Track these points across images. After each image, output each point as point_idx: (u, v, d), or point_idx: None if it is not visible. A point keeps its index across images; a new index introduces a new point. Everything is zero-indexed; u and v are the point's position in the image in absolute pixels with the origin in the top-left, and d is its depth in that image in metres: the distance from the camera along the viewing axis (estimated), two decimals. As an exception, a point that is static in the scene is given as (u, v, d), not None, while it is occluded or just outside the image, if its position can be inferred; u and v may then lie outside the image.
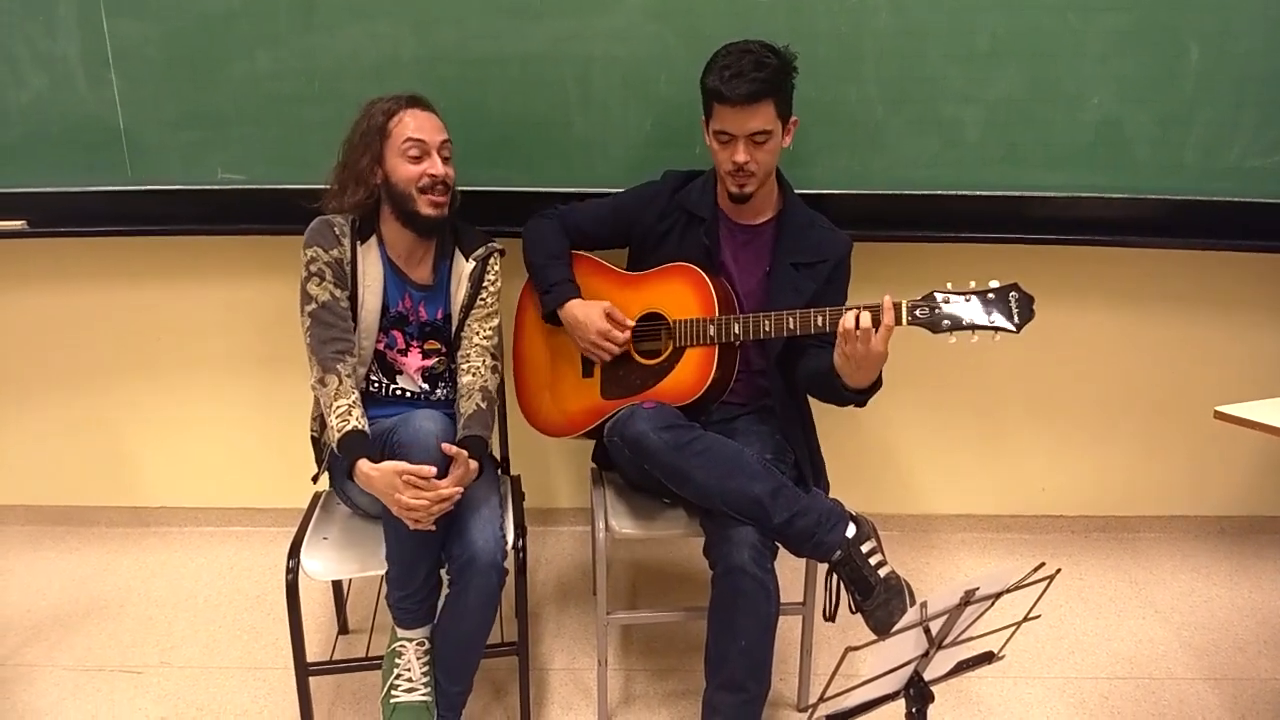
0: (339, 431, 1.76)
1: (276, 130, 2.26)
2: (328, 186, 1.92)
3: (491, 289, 1.97)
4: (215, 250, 2.50)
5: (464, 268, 1.95)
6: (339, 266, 1.86)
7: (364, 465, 1.72)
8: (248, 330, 2.58)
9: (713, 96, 1.85)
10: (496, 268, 1.98)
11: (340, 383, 1.80)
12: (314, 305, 1.84)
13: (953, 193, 2.26)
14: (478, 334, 1.96)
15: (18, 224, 2.34)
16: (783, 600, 1.80)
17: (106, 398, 2.67)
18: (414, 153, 1.84)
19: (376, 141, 1.85)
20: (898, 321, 1.70)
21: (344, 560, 1.88)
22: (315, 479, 2.05)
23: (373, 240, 1.91)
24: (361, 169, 1.86)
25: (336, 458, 1.82)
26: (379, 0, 2.15)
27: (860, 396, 1.84)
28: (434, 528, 1.72)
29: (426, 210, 1.85)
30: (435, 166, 1.84)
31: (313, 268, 1.85)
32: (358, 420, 1.77)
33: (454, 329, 1.98)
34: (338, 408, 1.78)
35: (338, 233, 1.87)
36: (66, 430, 2.70)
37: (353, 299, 1.89)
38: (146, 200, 2.32)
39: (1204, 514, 2.77)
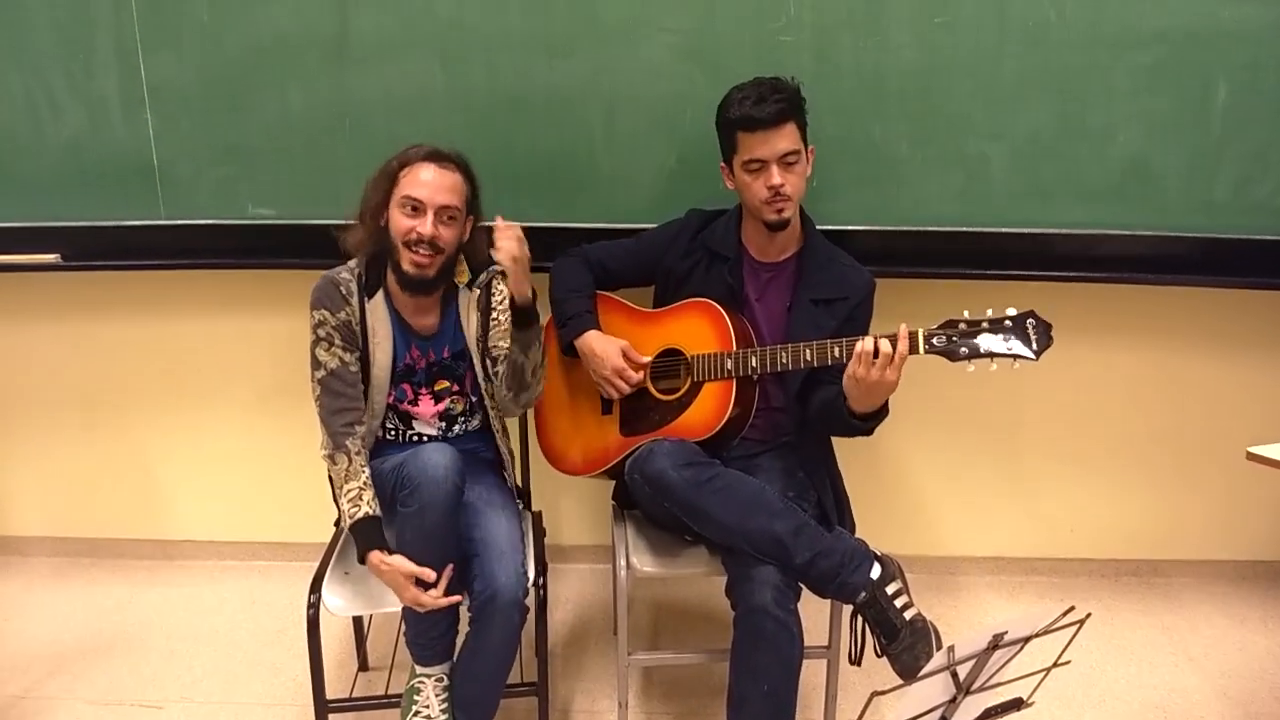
0: (350, 517, 1.77)
1: (307, 166, 2.29)
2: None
3: (501, 305, 1.96)
4: (245, 284, 2.52)
5: (469, 300, 1.95)
6: (348, 329, 1.86)
7: (375, 557, 1.74)
8: (276, 364, 2.60)
9: (739, 126, 1.87)
10: (500, 286, 1.96)
11: (350, 462, 1.80)
12: (323, 373, 1.85)
13: (978, 229, 2.24)
14: (502, 347, 1.97)
15: (51, 257, 2.38)
16: (806, 643, 1.77)
17: (135, 430, 2.69)
18: (409, 208, 1.82)
19: (384, 186, 1.85)
20: (914, 349, 1.69)
21: (364, 596, 1.87)
22: (338, 523, 2.05)
23: (379, 295, 1.90)
24: (369, 209, 1.87)
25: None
26: (410, 38, 2.19)
27: (865, 424, 1.83)
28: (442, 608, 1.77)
29: (406, 265, 1.83)
30: (424, 226, 1.80)
31: (320, 332, 1.85)
32: (369, 505, 1.77)
33: (473, 361, 1.97)
34: (349, 491, 1.79)
35: (344, 292, 1.87)
36: (94, 462, 2.73)
37: (364, 358, 1.89)
38: (178, 234, 2.35)
39: (1237, 558, 2.71)
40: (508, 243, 1.79)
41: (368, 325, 1.88)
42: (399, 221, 1.83)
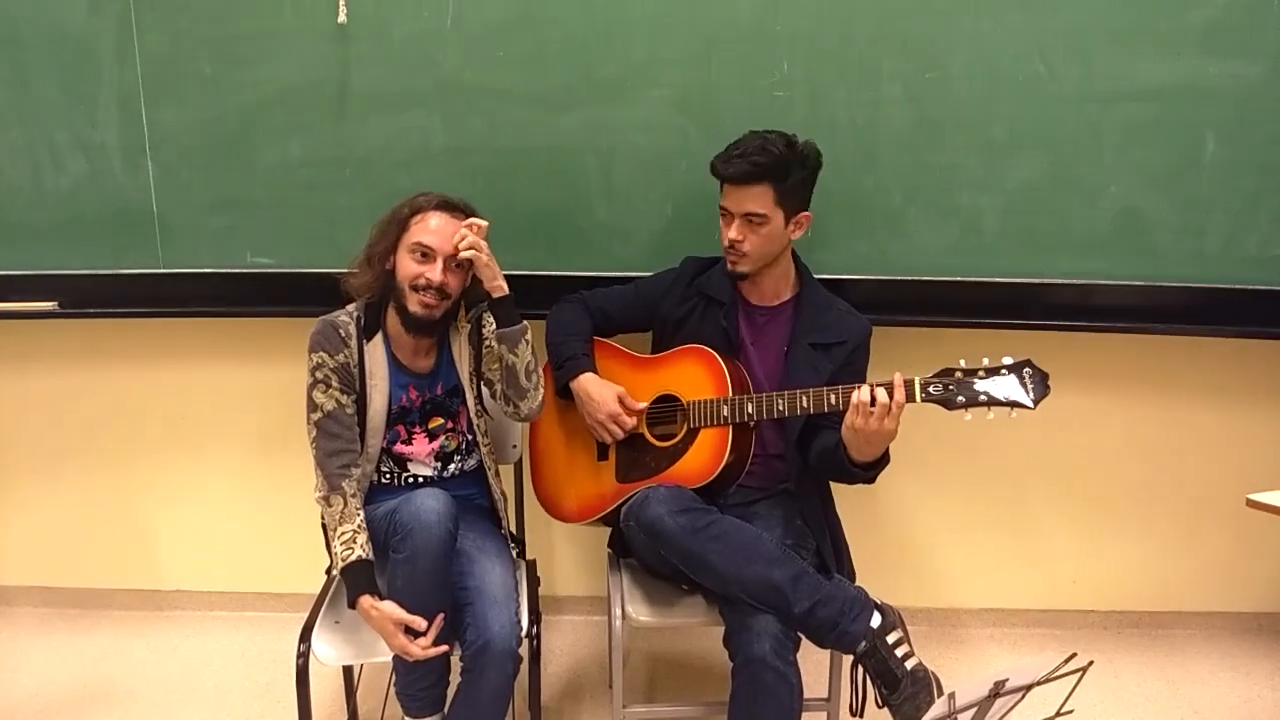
0: (343, 560, 1.76)
1: (306, 216, 2.31)
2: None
3: (491, 332, 1.96)
4: (242, 332, 2.53)
5: (461, 336, 1.98)
6: (345, 371, 1.88)
7: (365, 602, 1.72)
8: (271, 412, 2.60)
9: (714, 173, 1.92)
10: (490, 317, 1.95)
11: (345, 504, 1.80)
12: (319, 414, 1.85)
13: (972, 279, 2.26)
14: (496, 369, 1.99)
15: (48, 305, 2.39)
16: (806, 695, 1.74)
17: (128, 478, 2.67)
18: (419, 254, 1.85)
19: (394, 232, 1.88)
20: (911, 398, 1.70)
21: (355, 645, 1.84)
22: (329, 571, 2.03)
23: (378, 338, 1.92)
24: (376, 253, 1.89)
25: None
26: (411, 93, 2.23)
27: (867, 473, 1.83)
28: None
29: (414, 308, 1.86)
30: (433, 273, 1.84)
31: (318, 374, 1.86)
32: (362, 548, 1.77)
33: (466, 396, 1.98)
34: (342, 533, 1.78)
35: (343, 335, 1.89)
36: (84, 510, 2.70)
37: (360, 400, 1.89)
38: (176, 283, 2.36)
39: (1241, 610, 2.68)
40: (468, 238, 1.82)
41: (365, 368, 1.89)
42: (408, 266, 1.85)
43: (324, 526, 1.95)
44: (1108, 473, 2.58)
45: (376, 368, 1.90)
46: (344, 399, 1.86)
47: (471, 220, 1.85)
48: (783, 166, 1.87)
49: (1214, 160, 2.17)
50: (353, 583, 1.73)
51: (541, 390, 1.99)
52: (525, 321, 1.92)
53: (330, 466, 1.82)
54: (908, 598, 2.63)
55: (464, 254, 1.82)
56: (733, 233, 1.90)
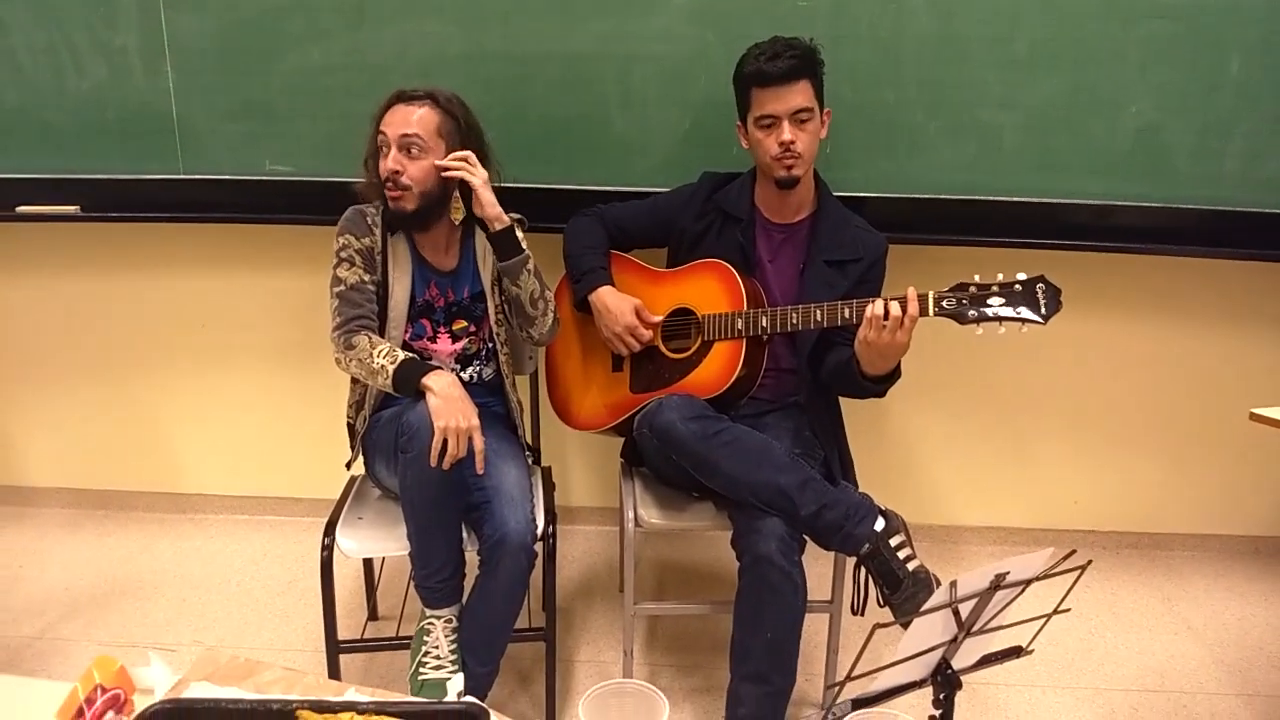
0: (393, 363, 1.76)
1: (325, 123, 2.31)
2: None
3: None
4: (261, 239, 2.55)
5: (487, 243, 1.97)
6: (369, 254, 1.90)
7: (429, 378, 1.73)
8: (290, 320, 2.63)
9: (752, 81, 1.90)
10: (519, 234, 1.96)
11: (369, 339, 1.82)
12: (342, 287, 1.88)
13: (989, 198, 2.26)
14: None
15: (71, 209, 2.41)
16: (810, 598, 1.79)
17: (150, 383, 2.73)
18: (383, 147, 1.85)
19: (372, 137, 1.89)
20: (924, 312, 1.72)
21: (378, 539, 1.91)
22: (349, 465, 2.09)
23: (401, 232, 1.94)
24: (370, 164, 1.91)
25: (371, 435, 1.91)
26: (429, 0, 2.21)
27: (878, 386, 1.86)
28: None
29: (389, 204, 1.88)
30: (386, 161, 1.83)
31: (343, 254, 1.89)
32: (403, 354, 1.79)
33: (488, 305, 2.00)
34: (380, 351, 1.79)
35: (370, 222, 1.92)
36: (109, 415, 2.76)
37: (383, 289, 1.92)
38: (195, 189, 2.38)
39: (1238, 533, 2.73)
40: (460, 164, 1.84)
41: (388, 258, 1.92)
42: (380, 164, 1.87)
43: (349, 426, 2.02)
44: (1113, 394, 2.61)
45: (399, 260, 1.93)
46: (366, 277, 1.89)
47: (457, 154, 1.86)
48: (813, 60, 1.89)
49: (1238, 81, 2.14)
50: (414, 372, 1.75)
51: (551, 315, 2.01)
52: (527, 251, 1.93)
53: (346, 326, 1.85)
54: (910, 514, 2.63)
55: (451, 174, 1.84)
56: (786, 134, 1.88)
